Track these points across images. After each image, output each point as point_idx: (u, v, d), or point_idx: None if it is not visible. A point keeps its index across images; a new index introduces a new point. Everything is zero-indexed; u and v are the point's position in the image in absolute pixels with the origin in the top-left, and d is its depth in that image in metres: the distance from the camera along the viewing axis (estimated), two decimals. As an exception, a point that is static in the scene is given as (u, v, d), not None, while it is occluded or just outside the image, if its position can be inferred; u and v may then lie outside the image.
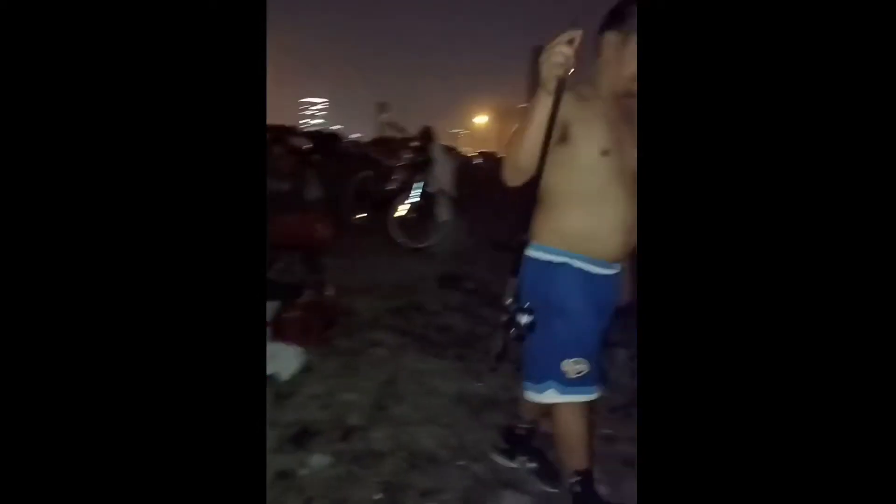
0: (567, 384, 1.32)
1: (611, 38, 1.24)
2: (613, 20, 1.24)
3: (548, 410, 1.45)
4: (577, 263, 1.29)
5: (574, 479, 1.42)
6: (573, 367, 1.31)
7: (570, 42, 0.95)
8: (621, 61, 1.23)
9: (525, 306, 1.22)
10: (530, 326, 1.21)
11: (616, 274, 1.39)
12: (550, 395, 1.34)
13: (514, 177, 1.19)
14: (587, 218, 1.25)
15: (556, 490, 1.64)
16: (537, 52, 1.00)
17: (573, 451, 1.41)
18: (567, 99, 1.16)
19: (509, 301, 1.23)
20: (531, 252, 1.32)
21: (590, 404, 1.39)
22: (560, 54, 0.96)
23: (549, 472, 1.69)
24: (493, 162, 39.62)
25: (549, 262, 1.31)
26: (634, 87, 1.21)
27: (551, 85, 1.00)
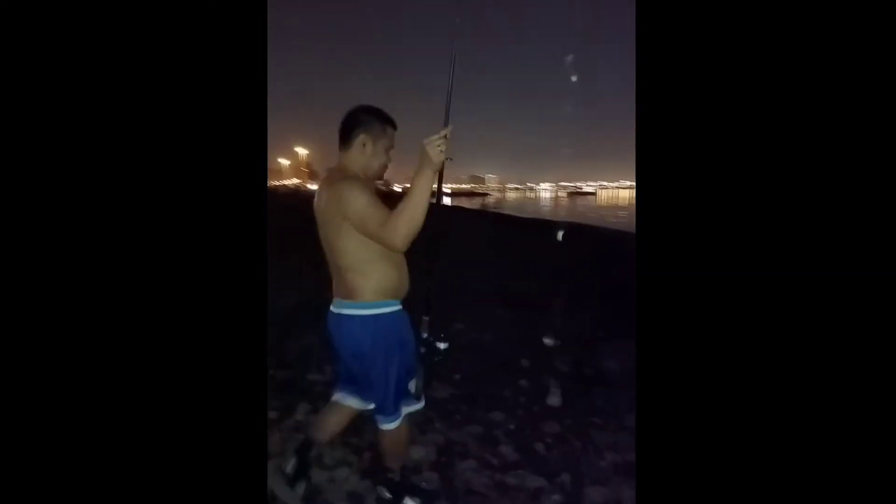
0: (408, 401, 1.72)
1: (360, 137, 1.63)
2: (358, 126, 1.63)
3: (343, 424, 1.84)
4: (398, 307, 1.68)
5: (392, 474, 1.84)
6: (415, 384, 1.72)
7: (446, 137, 1.39)
8: (372, 154, 1.64)
9: (441, 335, 1.66)
10: (448, 350, 1.65)
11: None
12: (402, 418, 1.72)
13: (409, 242, 1.46)
14: (395, 271, 1.64)
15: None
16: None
17: (398, 454, 1.81)
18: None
19: (425, 336, 1.66)
20: (363, 311, 1.62)
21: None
22: (442, 144, 1.39)
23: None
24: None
25: (382, 314, 1.64)
26: (381, 173, 1.69)
27: (438, 166, 1.43)
